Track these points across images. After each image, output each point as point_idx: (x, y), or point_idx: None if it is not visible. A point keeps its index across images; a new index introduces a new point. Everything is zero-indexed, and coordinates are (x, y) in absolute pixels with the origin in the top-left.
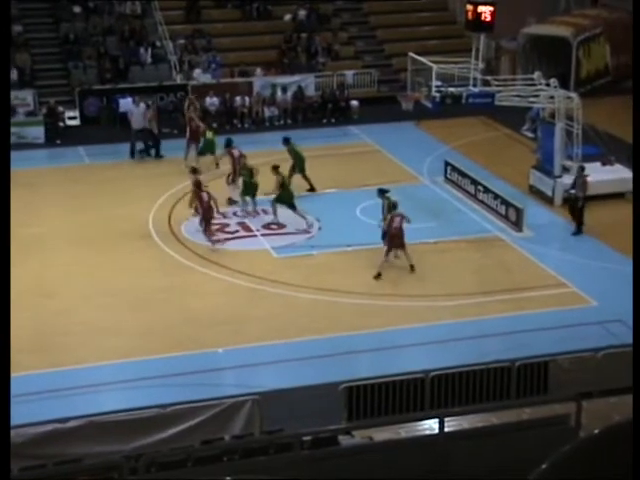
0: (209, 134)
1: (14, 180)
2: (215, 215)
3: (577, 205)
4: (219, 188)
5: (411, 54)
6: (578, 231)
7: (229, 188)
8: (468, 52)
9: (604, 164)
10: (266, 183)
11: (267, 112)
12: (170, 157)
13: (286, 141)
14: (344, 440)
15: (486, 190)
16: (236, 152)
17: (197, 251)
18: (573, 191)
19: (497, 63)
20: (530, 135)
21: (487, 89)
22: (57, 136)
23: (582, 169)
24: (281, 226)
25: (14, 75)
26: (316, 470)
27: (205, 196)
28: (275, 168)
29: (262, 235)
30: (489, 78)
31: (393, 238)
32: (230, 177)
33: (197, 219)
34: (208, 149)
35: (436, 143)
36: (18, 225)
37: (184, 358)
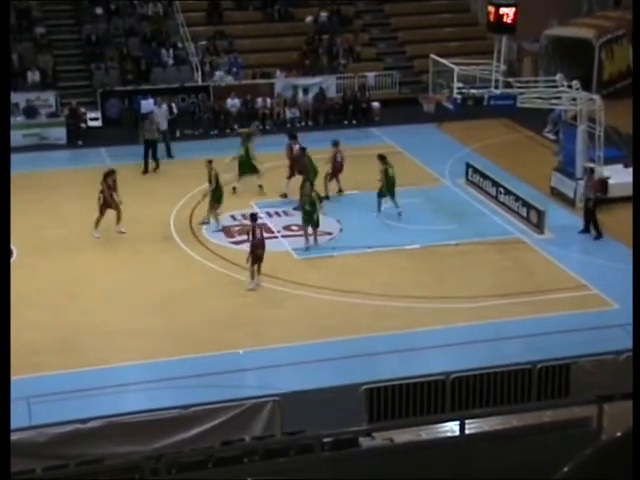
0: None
1: (37, 181)
2: None
3: (588, 206)
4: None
5: (432, 56)
6: (585, 231)
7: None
8: (490, 54)
9: (627, 166)
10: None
11: (288, 113)
12: (192, 159)
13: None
14: (365, 442)
15: (507, 192)
16: (297, 148)
17: (218, 252)
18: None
19: (519, 65)
20: (552, 137)
21: (509, 91)
22: (79, 137)
23: (592, 171)
24: (301, 227)
25: (37, 76)
26: (336, 472)
27: None
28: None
29: (283, 236)
30: (511, 80)
31: None
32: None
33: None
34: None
35: (457, 145)
36: (41, 227)
37: (205, 359)
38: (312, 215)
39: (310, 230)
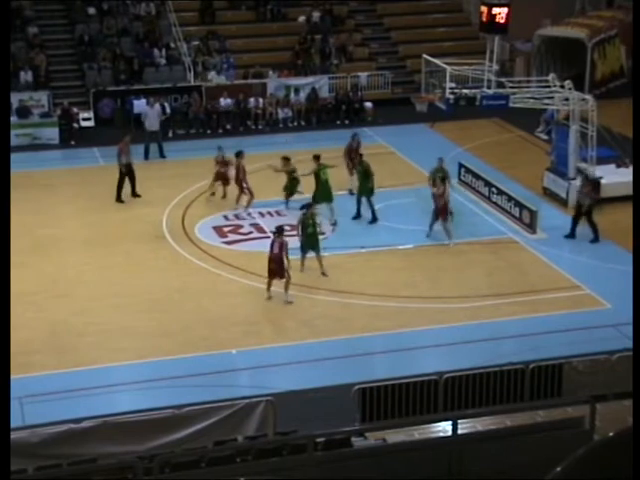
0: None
1: (29, 181)
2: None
3: (580, 211)
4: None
5: (425, 56)
6: (572, 236)
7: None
8: (482, 54)
9: (619, 166)
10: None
11: (281, 113)
12: (184, 159)
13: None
14: (357, 442)
15: (500, 192)
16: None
17: (211, 252)
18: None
19: (511, 65)
20: (544, 137)
21: (501, 91)
22: (71, 137)
23: (587, 177)
24: (295, 227)
25: (29, 76)
26: (329, 472)
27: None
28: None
29: None
30: (503, 80)
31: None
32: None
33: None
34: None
35: (450, 145)
36: (33, 226)
37: (198, 359)
38: (313, 238)
39: (310, 255)
